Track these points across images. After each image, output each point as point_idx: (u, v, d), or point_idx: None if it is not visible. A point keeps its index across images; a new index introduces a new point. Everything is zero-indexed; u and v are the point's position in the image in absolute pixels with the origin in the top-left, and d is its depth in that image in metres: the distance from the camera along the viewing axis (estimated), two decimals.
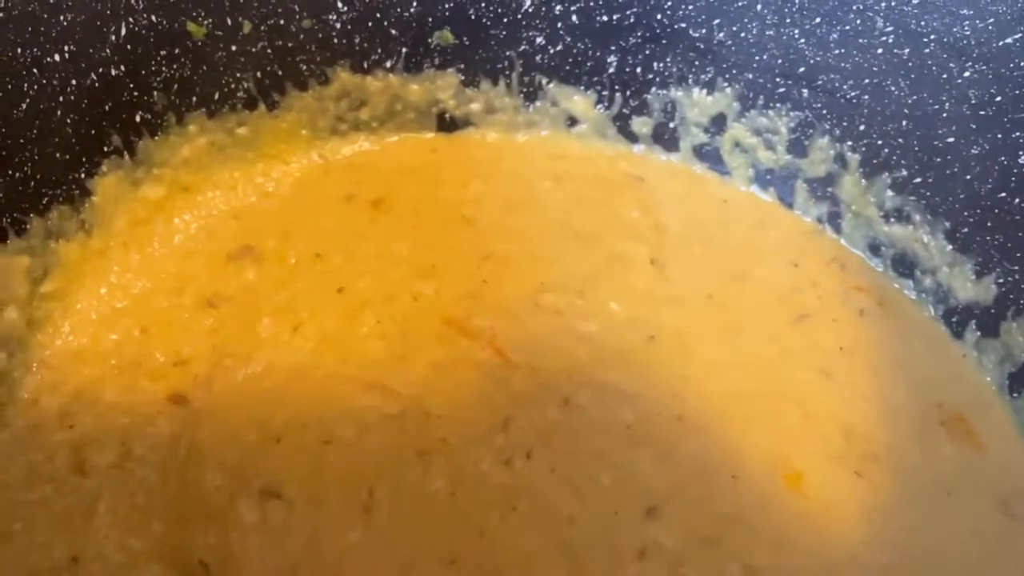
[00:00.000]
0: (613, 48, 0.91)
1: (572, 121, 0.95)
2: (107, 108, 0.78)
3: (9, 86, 0.70)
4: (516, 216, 0.88)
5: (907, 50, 0.78)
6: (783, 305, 0.82)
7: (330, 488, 0.66)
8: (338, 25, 0.87)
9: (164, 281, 0.79)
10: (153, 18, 0.78)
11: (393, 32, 0.89)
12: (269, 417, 0.70)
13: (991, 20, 0.73)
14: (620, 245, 0.86)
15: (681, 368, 0.77)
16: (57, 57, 0.72)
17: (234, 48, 0.84)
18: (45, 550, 0.62)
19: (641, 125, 0.94)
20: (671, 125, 0.94)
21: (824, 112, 0.86)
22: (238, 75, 0.85)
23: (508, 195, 0.90)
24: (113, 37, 0.76)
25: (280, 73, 0.87)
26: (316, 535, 0.64)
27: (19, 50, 0.70)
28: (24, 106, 0.71)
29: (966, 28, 0.74)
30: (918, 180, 0.82)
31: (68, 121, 0.75)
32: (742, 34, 0.86)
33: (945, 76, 0.76)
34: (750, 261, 0.86)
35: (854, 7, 0.79)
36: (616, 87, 0.93)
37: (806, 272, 0.85)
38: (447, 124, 0.95)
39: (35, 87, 0.72)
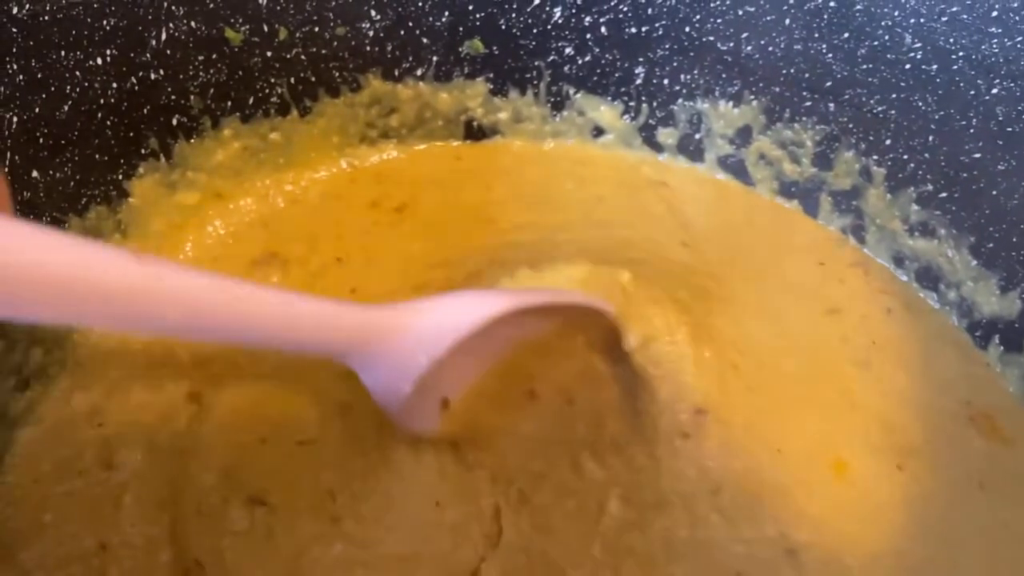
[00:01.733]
0: (641, 60, 0.92)
1: (598, 131, 0.96)
2: (145, 111, 0.79)
3: (53, 88, 0.71)
4: (537, 212, 0.89)
5: (935, 66, 0.79)
6: (814, 298, 0.83)
7: (304, 494, 0.67)
8: (371, 33, 0.88)
9: None
10: (192, 24, 0.79)
11: (425, 41, 0.90)
12: (260, 418, 0.70)
13: (1020, 38, 0.73)
14: (648, 231, 0.87)
15: (737, 325, 0.77)
16: (99, 60, 0.74)
17: (269, 54, 0.85)
18: (75, 540, 0.64)
19: (667, 136, 0.95)
20: (696, 136, 0.94)
21: (850, 126, 0.86)
22: (272, 80, 0.87)
23: (530, 195, 0.91)
24: (153, 42, 0.77)
25: (313, 79, 0.88)
26: (299, 546, 0.64)
27: (63, 52, 0.72)
28: (66, 108, 0.73)
29: (995, 46, 0.75)
30: (944, 195, 0.82)
31: (108, 123, 0.77)
32: (769, 48, 0.87)
33: (973, 93, 0.77)
34: (777, 257, 0.87)
35: (883, 23, 0.80)
36: (643, 98, 0.94)
37: (833, 271, 0.86)
38: (475, 132, 0.96)
39: (77, 89, 0.73)
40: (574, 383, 0.71)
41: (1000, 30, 0.74)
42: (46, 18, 0.70)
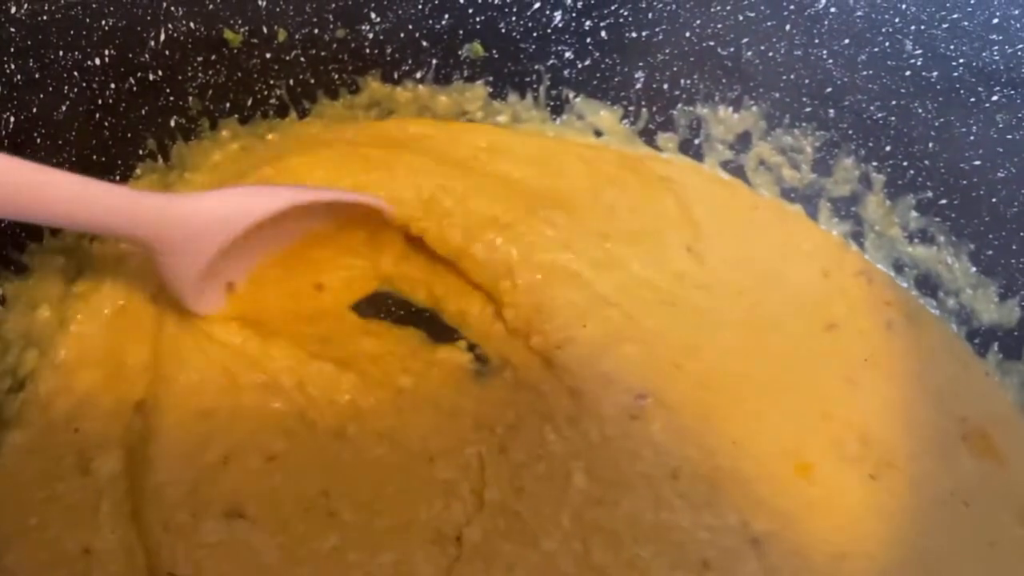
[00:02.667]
0: (641, 64, 0.92)
1: (597, 134, 0.96)
2: (144, 112, 0.79)
3: (51, 88, 0.71)
4: (544, 180, 0.88)
5: (935, 73, 0.79)
6: (814, 313, 0.83)
7: (287, 502, 0.67)
8: (370, 35, 0.88)
9: None
10: (191, 25, 0.79)
11: (424, 44, 0.90)
12: (218, 436, 0.69)
13: (1020, 46, 0.73)
14: (655, 224, 0.87)
15: (695, 336, 0.78)
16: (98, 61, 0.74)
17: (268, 56, 0.85)
18: (59, 544, 0.64)
19: (666, 141, 0.95)
20: (696, 141, 0.94)
21: (850, 132, 0.86)
22: (271, 82, 0.86)
23: (534, 167, 0.90)
24: (152, 43, 0.77)
25: (312, 81, 0.88)
26: (288, 548, 0.65)
27: (61, 53, 0.71)
28: (64, 108, 0.73)
29: (995, 53, 0.75)
30: (943, 202, 0.82)
31: (106, 124, 0.76)
32: (770, 53, 0.87)
33: (973, 100, 0.77)
34: (783, 265, 0.86)
35: (883, 29, 0.80)
36: (642, 102, 0.94)
37: (836, 282, 0.86)
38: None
39: (75, 90, 0.73)
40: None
41: (1001, 37, 0.74)
42: (44, 18, 0.69)
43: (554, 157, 0.91)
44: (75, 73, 0.73)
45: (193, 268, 0.68)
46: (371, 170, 0.82)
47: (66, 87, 0.72)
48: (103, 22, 0.73)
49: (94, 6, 0.72)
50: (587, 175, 0.89)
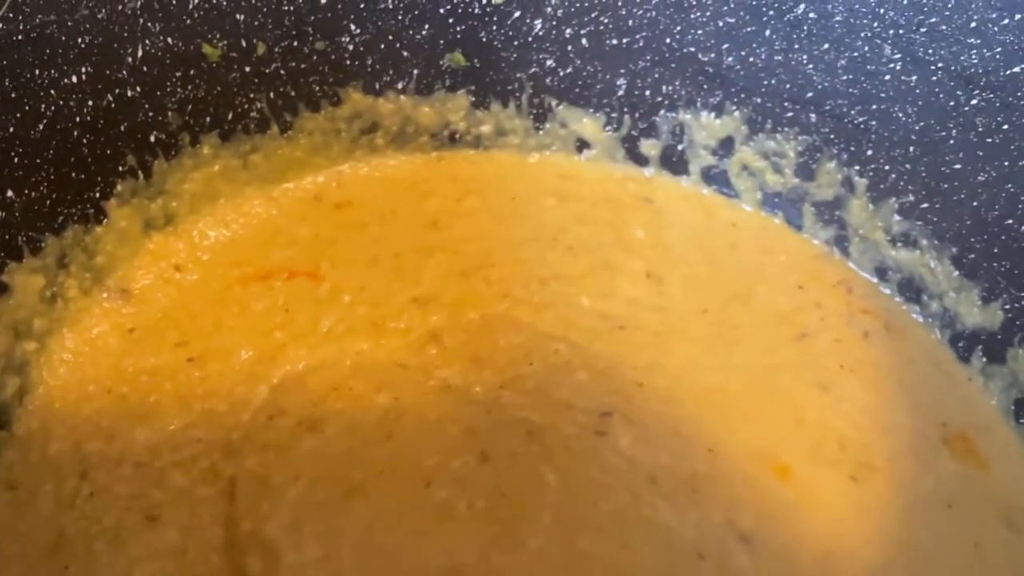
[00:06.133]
0: (622, 71, 0.92)
1: (582, 144, 0.96)
2: (122, 128, 0.79)
3: (27, 107, 0.71)
4: (504, 226, 0.88)
5: (915, 77, 0.79)
6: (783, 324, 0.82)
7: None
8: (351, 47, 0.88)
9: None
10: (169, 40, 0.79)
11: (405, 54, 0.90)
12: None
13: (999, 49, 0.73)
14: (615, 256, 0.86)
15: (653, 354, 0.78)
16: (75, 78, 0.74)
17: (248, 69, 0.85)
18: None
19: (650, 147, 0.95)
20: (679, 148, 0.94)
21: (832, 137, 0.86)
22: (251, 96, 0.86)
23: (502, 210, 0.90)
24: (130, 59, 0.77)
25: (293, 94, 0.88)
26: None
27: (37, 71, 0.71)
28: (41, 126, 0.72)
29: (974, 57, 0.75)
30: (925, 205, 0.82)
31: (84, 141, 0.76)
32: (750, 59, 0.87)
33: (952, 104, 0.77)
34: (754, 282, 0.86)
35: (862, 34, 0.80)
36: (625, 109, 0.94)
37: (811, 295, 0.85)
38: (458, 147, 0.96)
39: (52, 108, 0.73)
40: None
41: (979, 41, 0.74)
42: (19, 37, 0.69)
43: (526, 199, 0.91)
44: (52, 91, 0.72)
45: None
46: None
47: (43, 105, 0.72)
48: (79, 39, 0.73)
49: (70, 24, 0.72)
50: (554, 217, 0.89)
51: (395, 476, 0.67)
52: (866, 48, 0.80)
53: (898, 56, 0.79)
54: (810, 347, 0.81)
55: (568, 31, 0.90)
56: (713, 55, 0.88)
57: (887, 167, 0.84)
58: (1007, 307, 0.78)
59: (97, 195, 0.79)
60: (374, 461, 0.68)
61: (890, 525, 0.70)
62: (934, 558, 0.69)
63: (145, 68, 0.78)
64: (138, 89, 0.78)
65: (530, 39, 0.91)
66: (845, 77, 0.83)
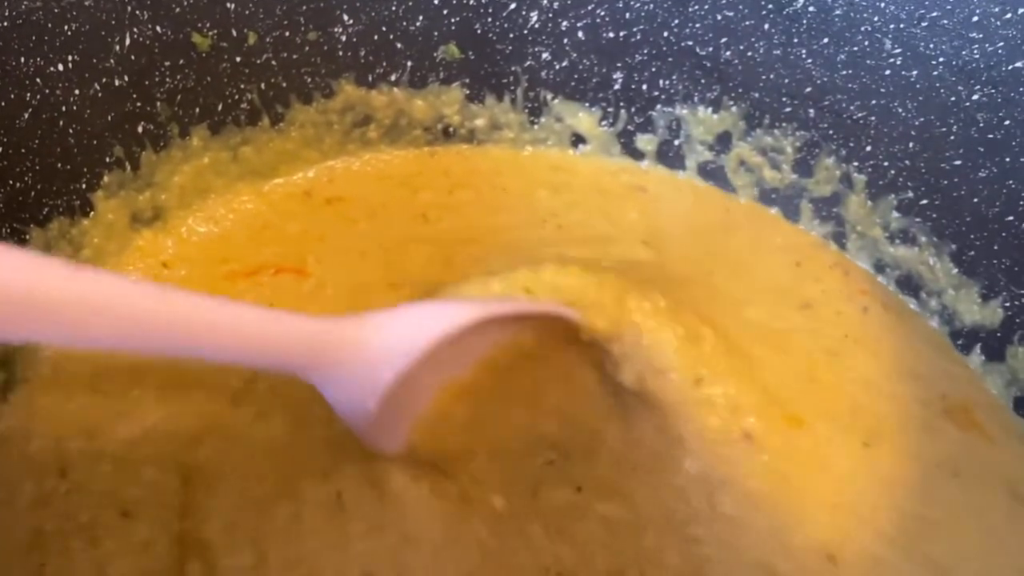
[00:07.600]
0: (619, 65, 0.91)
1: (577, 139, 0.95)
2: (110, 118, 0.77)
3: (12, 95, 0.69)
4: (493, 215, 0.88)
5: (915, 72, 0.78)
6: (786, 295, 0.83)
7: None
8: (343, 38, 0.86)
9: None
10: (158, 29, 0.77)
11: (399, 46, 0.89)
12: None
13: (1000, 44, 0.72)
14: (609, 231, 0.86)
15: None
16: (61, 67, 0.72)
17: (238, 59, 0.83)
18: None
19: (646, 142, 0.94)
20: (676, 143, 0.93)
21: (830, 132, 0.85)
22: (242, 87, 0.84)
23: (493, 201, 0.90)
24: (117, 47, 0.75)
25: (284, 85, 0.86)
26: None
27: (22, 59, 0.69)
28: (26, 116, 0.70)
29: (975, 52, 0.74)
30: (925, 202, 0.81)
31: (70, 131, 0.74)
32: (748, 53, 0.86)
33: (953, 99, 0.76)
34: (752, 259, 0.86)
35: (862, 28, 0.79)
36: (621, 104, 0.93)
37: (809, 271, 0.86)
38: (452, 141, 0.95)
39: (38, 97, 0.71)
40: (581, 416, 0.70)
41: (980, 35, 0.73)
42: (4, 24, 0.67)
43: (518, 191, 0.91)
44: (37, 80, 0.70)
45: (368, 400, 0.58)
46: None
47: (28, 94, 0.70)
48: (65, 27, 0.71)
49: (56, 11, 0.70)
50: (546, 205, 0.89)
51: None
52: (866, 43, 0.79)
53: (898, 51, 0.78)
54: (815, 315, 0.81)
55: (564, 24, 0.89)
56: (711, 49, 0.87)
57: (886, 163, 0.83)
58: (1007, 305, 0.78)
59: (83, 186, 0.77)
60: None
61: (903, 493, 0.70)
62: (942, 525, 0.69)
63: (133, 57, 0.76)
64: (126, 79, 0.77)
65: (526, 31, 0.89)
66: (844, 72, 0.82)
